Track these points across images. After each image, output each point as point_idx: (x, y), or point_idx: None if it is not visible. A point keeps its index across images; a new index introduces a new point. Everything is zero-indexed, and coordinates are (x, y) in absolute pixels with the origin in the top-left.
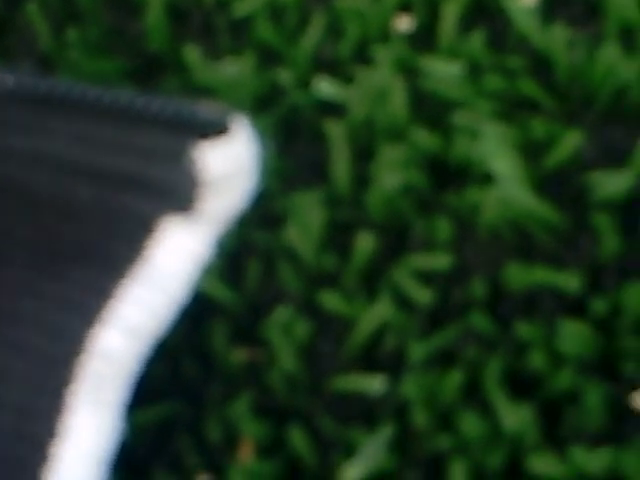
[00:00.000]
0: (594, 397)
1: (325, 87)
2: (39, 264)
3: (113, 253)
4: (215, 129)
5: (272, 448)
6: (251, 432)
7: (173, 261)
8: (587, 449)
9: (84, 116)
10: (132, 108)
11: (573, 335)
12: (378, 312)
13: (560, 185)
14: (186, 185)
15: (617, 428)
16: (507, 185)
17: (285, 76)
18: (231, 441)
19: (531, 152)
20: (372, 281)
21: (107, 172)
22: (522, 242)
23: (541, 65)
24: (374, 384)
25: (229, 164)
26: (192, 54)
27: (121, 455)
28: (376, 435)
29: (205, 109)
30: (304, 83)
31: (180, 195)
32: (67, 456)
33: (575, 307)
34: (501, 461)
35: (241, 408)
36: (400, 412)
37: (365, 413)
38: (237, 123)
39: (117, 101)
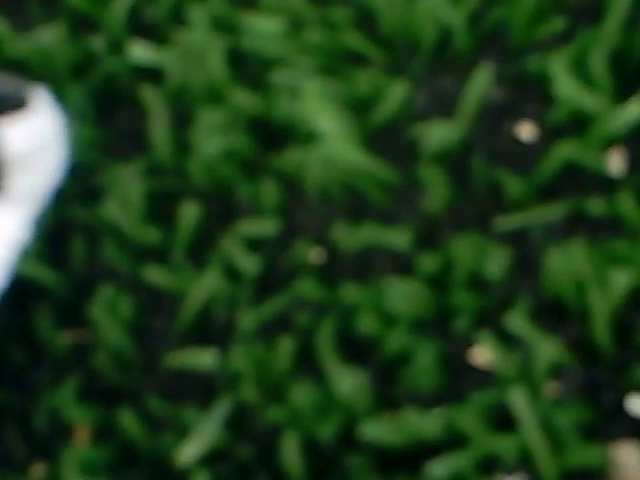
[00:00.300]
0: (427, 356)
1: (140, 51)
2: None
3: None
4: (13, 104)
5: (105, 432)
6: (80, 417)
7: None
8: (421, 410)
9: None
10: None
11: (403, 294)
12: (206, 284)
13: (389, 139)
14: None
15: (454, 386)
16: (332, 143)
17: (99, 43)
18: (63, 428)
19: (357, 107)
20: (199, 252)
21: None
22: (352, 201)
23: (365, 17)
24: (206, 358)
25: (32, 139)
26: (1, 25)
27: None
28: (210, 412)
29: (2, 84)
30: (119, 49)
31: None
32: None
33: (407, 265)
34: (335, 430)
35: (68, 393)
36: (234, 386)
37: (199, 390)
38: (38, 96)
39: None
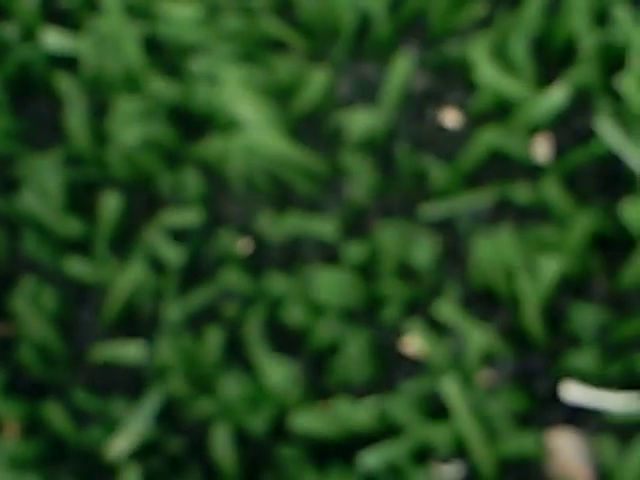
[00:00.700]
0: (358, 346)
1: (54, 38)
2: None
3: None
4: None
5: (33, 427)
6: (7, 412)
7: None
8: (353, 401)
9: None
10: None
11: (331, 283)
12: (131, 275)
13: (313, 127)
14: None
15: (386, 376)
16: (254, 131)
17: (11, 30)
18: None
19: (279, 94)
20: (123, 243)
21: None
22: (278, 190)
23: (283, 3)
24: (133, 351)
25: None
26: None
27: None
28: (140, 405)
29: None
30: (32, 36)
31: None
32: None
33: (335, 255)
34: (266, 421)
35: None
36: (162, 378)
37: (127, 383)
38: None
39: None
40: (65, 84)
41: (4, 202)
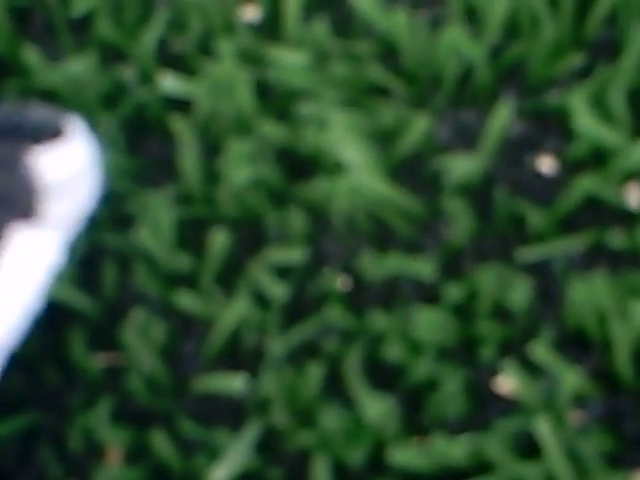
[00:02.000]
0: (454, 384)
1: (170, 82)
2: None
3: None
4: (49, 132)
5: (138, 453)
6: (113, 439)
7: (23, 268)
8: (448, 437)
9: None
10: None
11: (429, 322)
12: (236, 310)
13: (413, 171)
14: (24, 191)
15: (480, 414)
16: (358, 173)
17: (129, 73)
18: (96, 448)
19: (382, 139)
20: (229, 278)
21: None
22: (378, 231)
23: (387, 50)
24: (236, 383)
25: (67, 167)
26: (32, 55)
27: None
28: (241, 435)
29: (37, 112)
30: (149, 79)
31: (20, 202)
32: None
33: (433, 294)
34: (364, 454)
35: (101, 415)
36: (264, 410)
37: (230, 413)
38: (72, 124)
39: None
40: (179, 125)
41: (117, 237)
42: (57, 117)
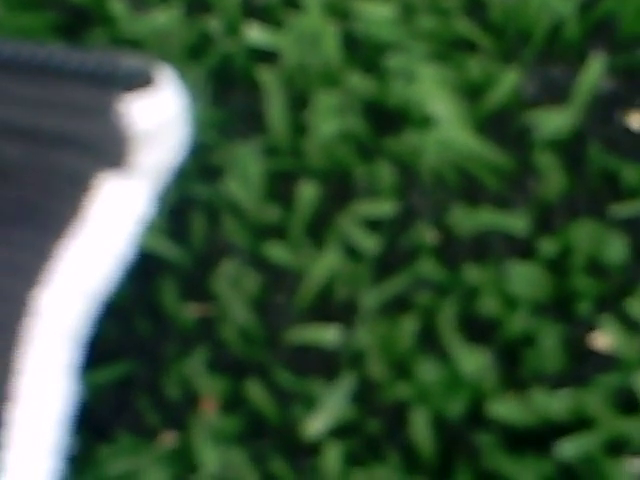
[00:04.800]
0: (551, 339)
1: (255, 33)
2: None
3: (51, 213)
4: (140, 80)
5: (233, 403)
6: (209, 388)
7: (113, 218)
8: (548, 391)
9: (2, 73)
10: (51, 62)
11: (524, 277)
12: (326, 262)
13: (501, 125)
14: (116, 140)
15: (577, 369)
16: (447, 127)
17: (215, 24)
18: (191, 397)
19: (470, 93)
20: (318, 230)
21: (34, 130)
22: (467, 185)
23: (475, 4)
24: (329, 335)
25: (157, 116)
26: (118, 6)
27: (82, 416)
28: (336, 386)
29: (129, 61)
30: (234, 30)
31: (111, 150)
32: (23, 420)
33: (525, 249)
34: (462, 407)
35: (197, 364)
36: (358, 362)
37: (323, 364)
38: (163, 74)
39: (35, 56)
40: (265, 77)
41: (205, 188)
42: (148, 66)
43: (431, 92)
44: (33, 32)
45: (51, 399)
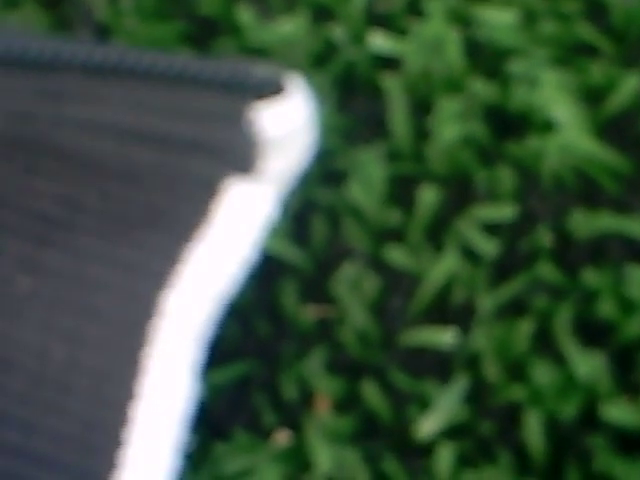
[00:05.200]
0: None
1: (380, 41)
2: (108, 231)
3: (179, 217)
4: (271, 89)
5: (348, 403)
6: (325, 388)
7: (239, 222)
8: None
9: (138, 82)
10: (186, 72)
11: None
12: (445, 265)
13: (622, 130)
14: (245, 146)
15: None
16: (568, 132)
17: (339, 32)
18: (307, 397)
19: (590, 97)
20: (438, 234)
21: (166, 137)
22: (587, 189)
23: (596, 9)
24: (445, 337)
25: (287, 123)
26: (246, 15)
27: (200, 415)
28: (450, 388)
29: (260, 69)
30: (358, 38)
31: (240, 156)
32: (146, 418)
33: None
34: (575, 409)
35: (314, 365)
36: (473, 364)
37: (438, 366)
38: (292, 82)
39: (171, 66)
40: (389, 84)
41: (328, 193)
42: (279, 74)
43: (552, 97)
44: (164, 42)
45: (174, 398)
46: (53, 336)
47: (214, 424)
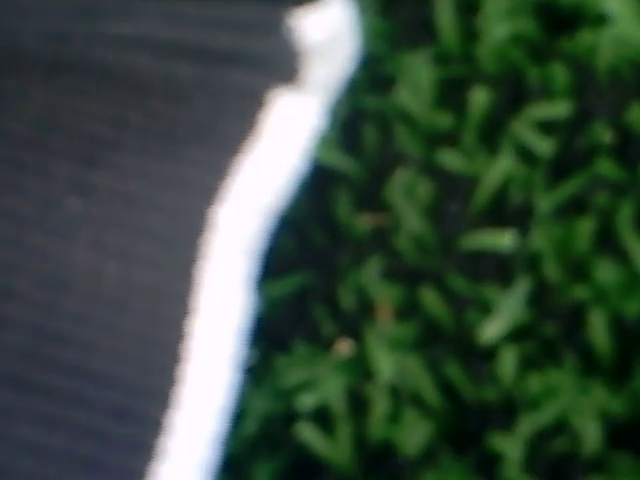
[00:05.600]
0: None
1: None
2: (154, 149)
3: (225, 130)
4: None
5: (408, 310)
6: (384, 296)
7: (286, 133)
8: None
9: None
10: None
11: None
12: (501, 167)
13: None
14: (287, 55)
15: None
16: (622, 23)
17: None
18: (366, 306)
19: None
20: (492, 136)
21: (207, 50)
22: None
23: None
24: (504, 239)
25: (328, 30)
26: None
27: (259, 328)
28: (512, 291)
29: None
30: None
31: (283, 65)
32: (203, 331)
33: None
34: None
35: (372, 273)
36: (534, 265)
37: (498, 269)
38: None
39: None
40: None
41: (377, 99)
42: None
43: None
44: None
45: (230, 311)
46: (106, 255)
47: (274, 337)
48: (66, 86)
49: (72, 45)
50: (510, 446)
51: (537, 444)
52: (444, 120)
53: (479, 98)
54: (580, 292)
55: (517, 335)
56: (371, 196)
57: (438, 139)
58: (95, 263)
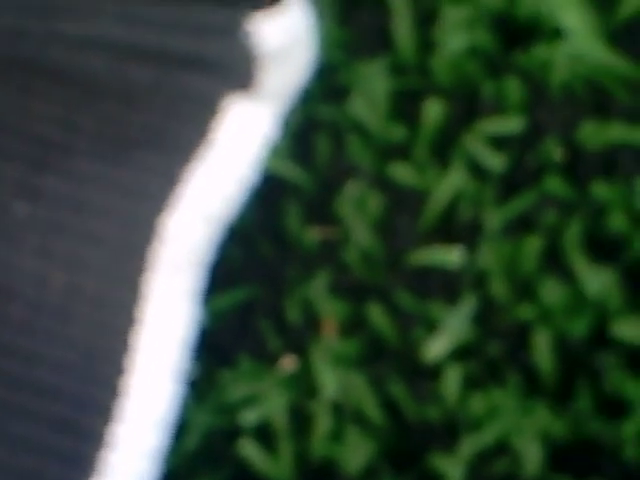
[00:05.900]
0: None
1: None
2: (105, 154)
3: (178, 136)
4: (268, 0)
5: (353, 326)
6: (330, 311)
7: (239, 141)
8: None
9: None
10: None
11: None
12: (451, 182)
13: (634, 36)
14: (243, 60)
15: None
16: (578, 39)
17: None
18: (312, 321)
19: (601, 3)
20: (443, 150)
21: (163, 53)
22: (597, 99)
23: None
24: (452, 256)
25: (285, 35)
26: None
27: (204, 342)
28: (457, 308)
29: None
30: None
31: (238, 70)
32: (147, 343)
33: None
34: (585, 327)
35: (319, 287)
36: (480, 283)
37: (445, 286)
38: None
39: None
40: None
41: (330, 109)
42: None
43: (561, 3)
44: None
45: (175, 323)
46: (52, 262)
47: (218, 351)
48: (16, 86)
49: (25, 43)
50: (451, 466)
51: (478, 464)
52: (397, 132)
53: (432, 111)
54: (525, 311)
55: (462, 354)
56: (321, 208)
57: (390, 152)
58: (41, 270)
